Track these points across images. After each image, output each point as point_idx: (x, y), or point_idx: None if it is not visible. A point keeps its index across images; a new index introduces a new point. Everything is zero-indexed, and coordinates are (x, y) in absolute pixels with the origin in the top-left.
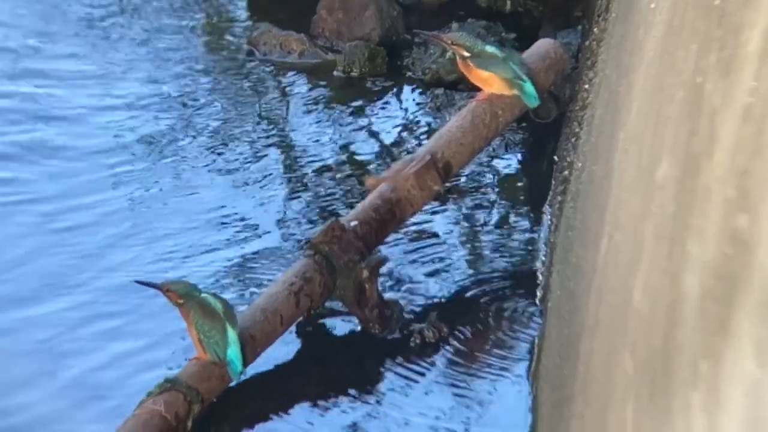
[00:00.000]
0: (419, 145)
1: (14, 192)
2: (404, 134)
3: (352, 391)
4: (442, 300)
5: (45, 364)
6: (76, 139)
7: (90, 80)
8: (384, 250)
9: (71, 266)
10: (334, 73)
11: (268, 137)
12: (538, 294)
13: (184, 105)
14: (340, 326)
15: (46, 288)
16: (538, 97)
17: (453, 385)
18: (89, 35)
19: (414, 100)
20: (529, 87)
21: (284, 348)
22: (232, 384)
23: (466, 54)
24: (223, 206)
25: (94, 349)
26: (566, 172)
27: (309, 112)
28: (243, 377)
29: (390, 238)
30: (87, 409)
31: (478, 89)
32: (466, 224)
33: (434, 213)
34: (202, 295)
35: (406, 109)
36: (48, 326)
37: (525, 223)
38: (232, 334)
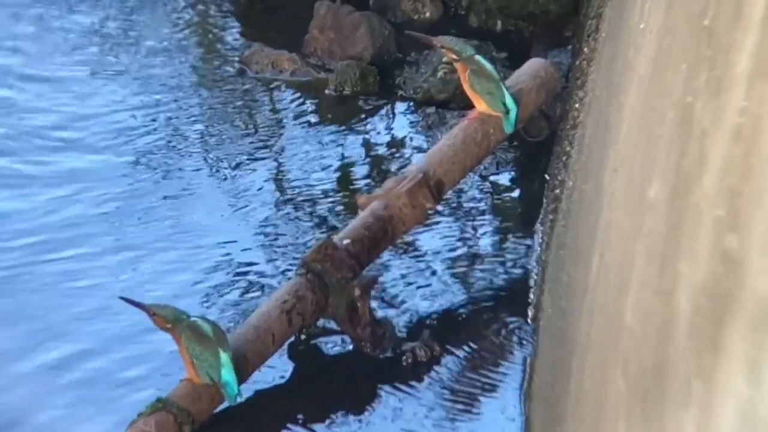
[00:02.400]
0: (411, 163)
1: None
2: (396, 153)
3: (343, 411)
4: (435, 319)
5: (36, 384)
6: (64, 158)
7: (80, 97)
8: (376, 268)
9: (57, 286)
10: (326, 91)
11: (259, 155)
12: (530, 312)
13: (176, 123)
14: (332, 345)
15: (34, 303)
16: (515, 125)
17: (445, 404)
18: (80, 53)
19: (405, 118)
20: (512, 116)
21: (276, 367)
22: (224, 405)
23: (455, 57)
24: (213, 224)
25: (83, 367)
26: (557, 191)
27: (301, 130)
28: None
29: (382, 257)
30: (77, 429)
31: (470, 107)
32: (457, 243)
33: (426, 231)
34: (191, 319)
35: (397, 128)
36: (35, 343)
37: (516, 242)
38: (224, 357)
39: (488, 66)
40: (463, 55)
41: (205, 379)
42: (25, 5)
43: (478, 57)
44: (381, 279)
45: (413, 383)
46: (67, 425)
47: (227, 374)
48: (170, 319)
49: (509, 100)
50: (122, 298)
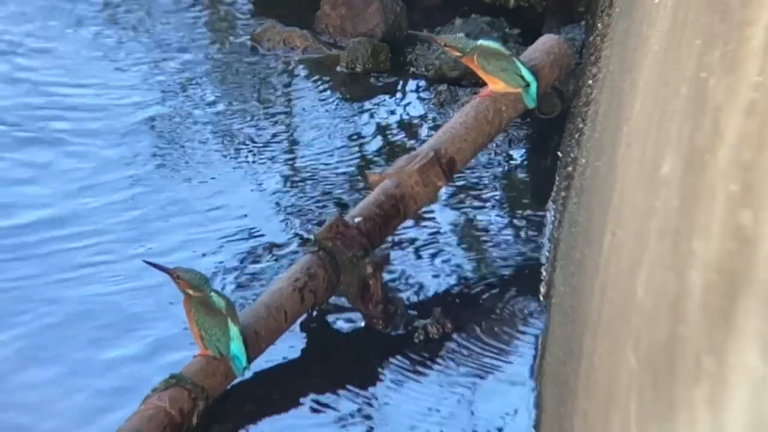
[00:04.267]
0: (423, 141)
1: (17, 182)
2: (407, 130)
3: (355, 388)
4: (446, 296)
5: (49, 358)
6: (76, 133)
7: (91, 75)
8: (388, 246)
9: (68, 260)
10: (338, 68)
11: (271, 133)
12: (542, 290)
13: (187, 100)
14: (343, 322)
15: (46, 281)
16: (536, 99)
17: (456, 381)
18: (91, 31)
19: (417, 96)
20: (532, 89)
21: (288, 344)
22: (237, 380)
23: (459, 54)
24: (225, 202)
25: (98, 344)
26: (570, 168)
27: (312, 108)
28: (247, 374)
29: (394, 234)
30: (91, 404)
31: (482, 84)
32: (469, 220)
33: (438, 209)
34: (211, 292)
35: (409, 105)
36: (48, 319)
37: (528, 219)
38: (234, 330)
39: (494, 44)
40: (467, 51)
41: (213, 352)
42: None
43: (481, 42)
44: (393, 256)
45: (424, 361)
46: (71, 406)
47: (236, 348)
48: (193, 284)
49: (527, 74)
50: (146, 261)
